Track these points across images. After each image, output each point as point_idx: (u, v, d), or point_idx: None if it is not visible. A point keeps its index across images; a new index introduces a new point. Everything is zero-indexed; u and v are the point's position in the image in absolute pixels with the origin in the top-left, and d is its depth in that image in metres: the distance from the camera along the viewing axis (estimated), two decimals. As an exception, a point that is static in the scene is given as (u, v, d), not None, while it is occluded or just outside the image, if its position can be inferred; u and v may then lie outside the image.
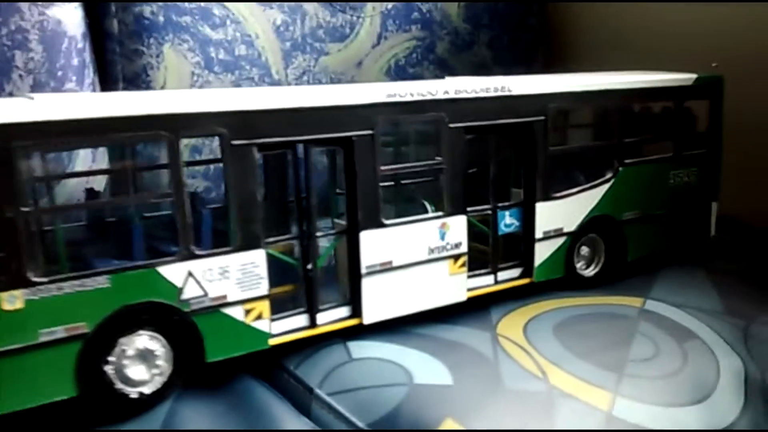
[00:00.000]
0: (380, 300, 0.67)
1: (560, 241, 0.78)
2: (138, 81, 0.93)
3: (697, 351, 0.67)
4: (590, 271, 0.82)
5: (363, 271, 0.65)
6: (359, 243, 0.65)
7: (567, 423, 0.56)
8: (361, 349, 0.65)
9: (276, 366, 0.64)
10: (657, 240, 0.86)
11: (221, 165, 0.58)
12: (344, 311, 0.66)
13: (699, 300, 0.76)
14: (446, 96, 0.68)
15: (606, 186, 0.80)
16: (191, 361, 0.58)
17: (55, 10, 0.85)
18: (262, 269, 0.60)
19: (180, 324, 0.57)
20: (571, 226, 0.78)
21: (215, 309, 0.58)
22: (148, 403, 0.57)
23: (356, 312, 0.66)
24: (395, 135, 0.69)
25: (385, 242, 0.66)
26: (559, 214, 0.77)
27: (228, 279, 0.59)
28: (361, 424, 0.57)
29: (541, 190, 0.75)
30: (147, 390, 0.57)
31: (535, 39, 1.26)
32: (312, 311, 0.64)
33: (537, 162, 0.75)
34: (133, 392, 0.56)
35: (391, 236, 0.66)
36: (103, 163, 0.80)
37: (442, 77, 1.16)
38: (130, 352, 0.56)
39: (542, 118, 0.74)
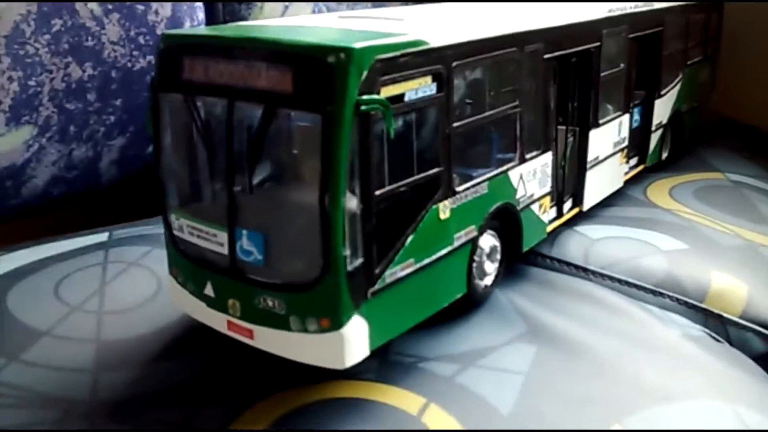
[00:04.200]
0: (592, 190, 0.78)
1: (659, 132, 0.94)
2: (239, -4, 0.90)
3: (792, 204, 0.89)
4: (664, 154, 1.00)
5: (587, 165, 0.76)
6: (588, 141, 0.75)
7: (779, 263, 0.74)
8: (592, 232, 0.77)
9: (528, 254, 0.73)
10: (695, 124, 1.07)
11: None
12: (569, 202, 0.77)
13: (753, 169, 0.99)
14: (630, 11, 0.79)
15: (679, 85, 0.98)
16: (512, 254, 0.66)
17: None
18: (550, 168, 0.69)
19: (513, 221, 0.64)
20: (665, 119, 0.95)
21: (528, 206, 0.66)
22: (488, 293, 0.64)
23: (577, 202, 0.77)
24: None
25: (598, 140, 0.77)
26: (661, 110, 0.94)
27: (535, 179, 0.66)
28: (648, 285, 0.69)
29: (658, 90, 0.91)
30: (489, 282, 0.64)
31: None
32: (560, 203, 0.74)
33: (658, 64, 0.90)
34: (482, 285, 0.63)
35: (601, 134, 0.78)
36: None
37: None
38: (486, 250, 0.62)
39: (662, 28, 0.89)
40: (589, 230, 0.77)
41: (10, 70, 0.66)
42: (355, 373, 0.54)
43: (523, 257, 0.72)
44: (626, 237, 0.76)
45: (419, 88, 0.50)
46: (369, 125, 0.45)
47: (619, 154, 0.83)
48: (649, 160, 0.93)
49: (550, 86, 0.66)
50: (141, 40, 0.76)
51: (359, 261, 0.48)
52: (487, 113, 0.58)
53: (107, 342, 0.57)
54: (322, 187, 0.45)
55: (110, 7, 0.73)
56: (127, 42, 0.75)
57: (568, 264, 0.72)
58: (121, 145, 0.79)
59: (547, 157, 0.68)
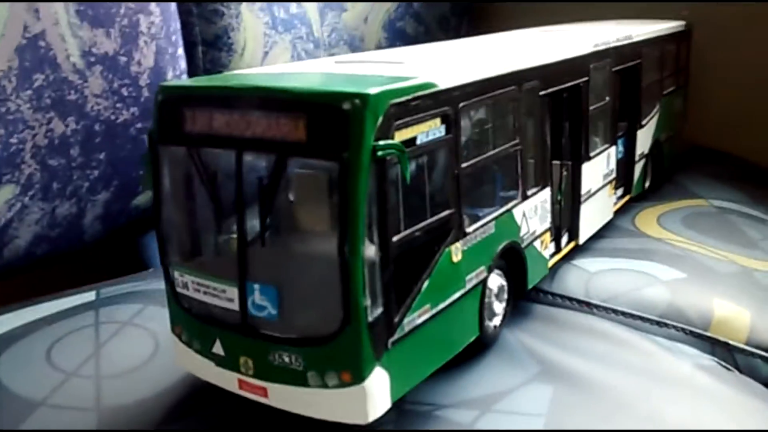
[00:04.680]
0: (587, 223, 0.78)
1: (642, 162, 0.95)
2: (219, 44, 0.89)
3: (777, 228, 0.90)
4: (647, 184, 1.00)
5: (581, 198, 0.76)
6: (581, 174, 0.75)
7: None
8: (589, 265, 0.76)
9: (529, 291, 0.72)
10: (673, 153, 1.08)
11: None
12: (566, 236, 0.76)
13: (734, 194, 1.00)
14: (613, 44, 0.80)
15: (657, 115, 0.99)
16: (517, 292, 0.65)
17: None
18: (549, 204, 0.68)
19: (517, 259, 0.63)
20: (646, 149, 0.96)
21: (531, 243, 0.65)
22: (497, 334, 0.63)
23: (572, 236, 0.77)
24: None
25: (590, 173, 0.77)
26: (642, 140, 0.95)
27: (536, 215, 0.66)
28: (653, 317, 0.69)
29: (639, 120, 0.92)
30: (497, 322, 0.62)
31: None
32: (558, 238, 0.74)
33: (639, 96, 0.91)
34: (492, 326, 0.61)
35: (592, 167, 0.78)
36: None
37: (421, 31, 1.26)
38: (495, 290, 0.61)
39: (640, 60, 0.90)
40: (586, 263, 0.77)
41: (-8, 128, 0.64)
42: (373, 426, 0.52)
43: (526, 295, 0.71)
44: (624, 269, 0.76)
45: (429, 130, 0.49)
46: (385, 171, 0.44)
47: (608, 186, 0.84)
48: (634, 190, 0.94)
49: (545, 122, 0.66)
50: (124, 91, 0.74)
51: (379, 310, 0.46)
52: (491, 152, 0.58)
53: (108, 409, 0.54)
54: (340, 236, 0.43)
55: (92, 59, 0.71)
56: (111, 94, 0.73)
57: (570, 299, 0.72)
58: (105, 200, 0.77)
59: (546, 193, 0.68)
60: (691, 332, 0.68)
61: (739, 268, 0.77)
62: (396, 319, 0.47)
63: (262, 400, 0.50)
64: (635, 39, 0.87)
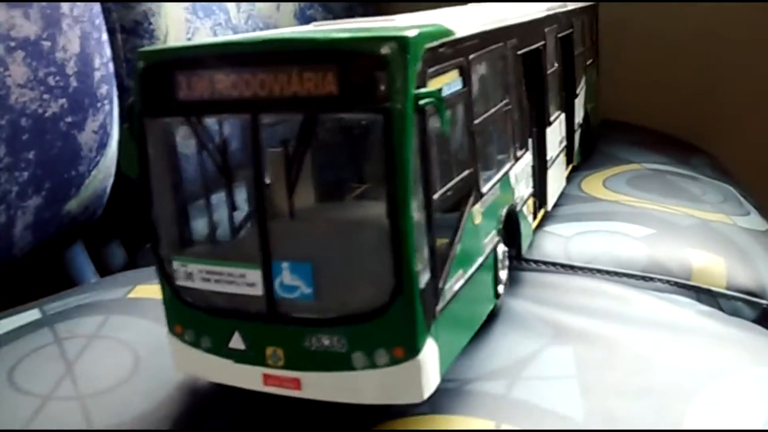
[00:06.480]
0: (552, 189, 0.77)
1: (578, 132, 0.96)
2: (140, 30, 0.81)
3: (708, 184, 0.94)
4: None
5: (547, 164, 0.75)
6: (546, 139, 0.74)
7: (732, 234, 0.77)
8: (561, 230, 0.76)
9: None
10: (594, 121, 1.11)
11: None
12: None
13: (661, 158, 1.04)
14: (558, 11, 0.80)
15: (584, 85, 1.01)
16: (514, 259, 0.62)
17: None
18: (530, 168, 0.67)
19: (513, 225, 0.61)
20: (580, 118, 0.98)
21: (521, 208, 0.63)
22: (502, 302, 0.60)
23: (542, 202, 0.76)
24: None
25: (550, 138, 0.76)
26: (577, 109, 0.96)
27: (523, 179, 0.64)
28: (638, 272, 0.69)
29: (575, 89, 0.93)
30: (501, 290, 0.60)
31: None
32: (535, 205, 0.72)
33: (574, 66, 0.91)
34: (499, 293, 0.59)
35: (552, 133, 0.77)
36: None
37: (330, 18, 1.22)
38: (500, 256, 0.58)
39: (572, 30, 0.91)
40: (558, 229, 0.76)
41: None
42: (407, 410, 0.48)
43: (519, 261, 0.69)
44: (596, 230, 0.76)
45: (452, 82, 0.46)
46: (425, 122, 0.41)
47: (563, 153, 0.84)
48: (575, 158, 0.95)
49: (522, 84, 0.65)
50: (51, 81, 0.65)
51: (427, 276, 0.42)
52: (491, 110, 0.55)
53: (104, 429, 0.47)
54: (389, 196, 0.39)
55: (12, 44, 0.62)
56: (36, 84, 0.64)
57: (554, 264, 0.71)
58: (36, 206, 0.67)
59: (528, 157, 0.66)
60: (676, 283, 0.68)
61: (697, 221, 0.79)
62: (440, 285, 0.44)
63: (293, 393, 0.44)
64: (569, 7, 0.88)
